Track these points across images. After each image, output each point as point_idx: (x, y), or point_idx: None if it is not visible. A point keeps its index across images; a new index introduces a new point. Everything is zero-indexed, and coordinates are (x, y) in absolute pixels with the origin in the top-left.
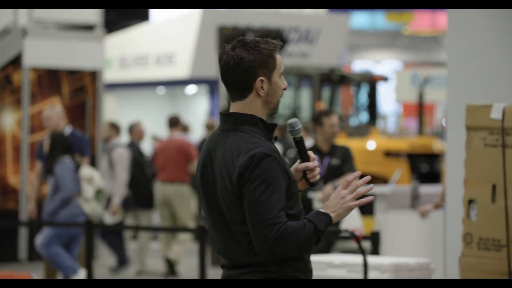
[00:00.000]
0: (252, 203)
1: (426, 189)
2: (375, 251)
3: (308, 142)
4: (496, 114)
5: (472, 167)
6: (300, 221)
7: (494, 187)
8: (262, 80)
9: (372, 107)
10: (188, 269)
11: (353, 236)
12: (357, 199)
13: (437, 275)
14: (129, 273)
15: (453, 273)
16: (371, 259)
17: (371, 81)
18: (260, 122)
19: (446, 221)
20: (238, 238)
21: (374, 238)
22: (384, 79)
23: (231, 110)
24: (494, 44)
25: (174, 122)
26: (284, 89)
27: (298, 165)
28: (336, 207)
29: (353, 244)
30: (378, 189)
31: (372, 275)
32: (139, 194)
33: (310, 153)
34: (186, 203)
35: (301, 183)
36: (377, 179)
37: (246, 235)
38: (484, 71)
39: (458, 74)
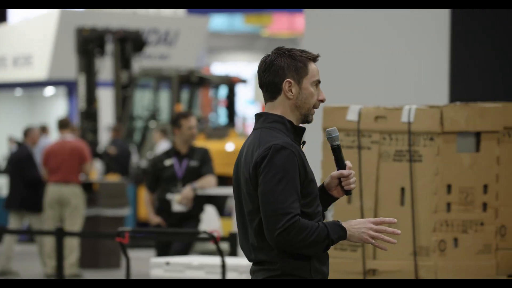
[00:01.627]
0: (266, 192)
1: None
2: (233, 252)
3: (163, 146)
4: (352, 116)
5: (329, 168)
6: (316, 222)
7: None
8: (290, 82)
9: (231, 109)
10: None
11: (211, 238)
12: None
13: None
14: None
15: None
16: (229, 260)
17: (230, 83)
18: (288, 123)
19: None
20: (250, 234)
21: (232, 239)
22: (243, 81)
23: (263, 111)
24: (351, 44)
25: (65, 124)
26: (321, 101)
27: (333, 172)
28: (355, 229)
29: (212, 246)
30: None
31: (230, 276)
32: (21, 196)
33: (348, 162)
34: (79, 204)
35: (337, 191)
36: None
37: (256, 229)
38: (341, 72)
39: None
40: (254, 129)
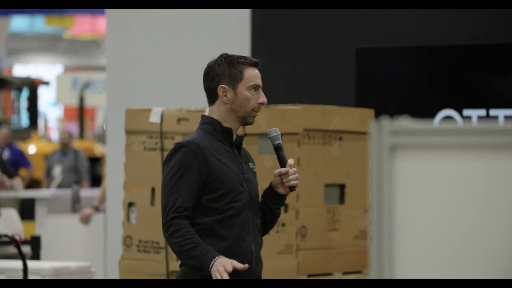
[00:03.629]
0: (162, 186)
1: (87, 193)
2: (36, 255)
3: None
4: (154, 118)
5: (132, 171)
6: (198, 240)
7: (153, 190)
8: (224, 88)
9: (33, 111)
10: None
11: (13, 241)
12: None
13: (98, 278)
14: None
15: (114, 276)
16: (31, 264)
17: (32, 85)
18: (217, 124)
19: (107, 224)
20: None
21: (35, 242)
22: (45, 83)
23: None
24: (154, 46)
25: None
26: (261, 103)
27: (275, 171)
28: (217, 264)
29: (13, 249)
30: (38, 193)
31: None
32: None
33: (290, 160)
34: None
35: (283, 188)
36: (38, 183)
37: None
38: (143, 74)
39: (118, 78)
40: None
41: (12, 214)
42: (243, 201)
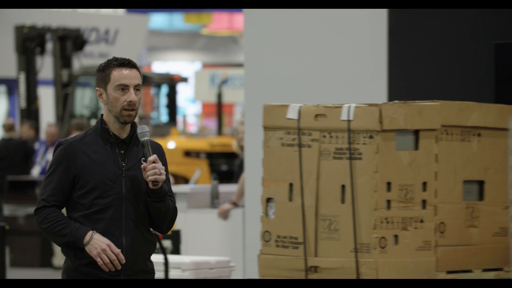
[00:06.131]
0: None
1: (226, 188)
2: (176, 250)
3: None
4: (292, 114)
5: (270, 166)
6: (67, 218)
7: (291, 185)
8: (98, 90)
9: (172, 107)
10: None
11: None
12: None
13: (237, 272)
14: None
15: (252, 271)
16: (172, 258)
17: (171, 81)
18: (99, 123)
19: (245, 219)
20: None
21: (175, 237)
22: (184, 80)
23: None
24: (291, 44)
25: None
26: (129, 101)
27: None
28: (94, 242)
29: None
30: (178, 188)
31: (173, 273)
32: None
33: (151, 157)
34: None
35: (149, 183)
36: (177, 178)
37: None
38: (280, 71)
39: (255, 74)
40: None
41: None
42: (111, 197)
